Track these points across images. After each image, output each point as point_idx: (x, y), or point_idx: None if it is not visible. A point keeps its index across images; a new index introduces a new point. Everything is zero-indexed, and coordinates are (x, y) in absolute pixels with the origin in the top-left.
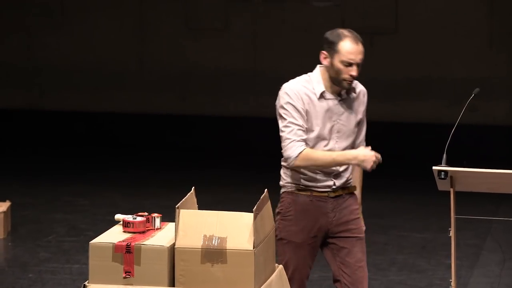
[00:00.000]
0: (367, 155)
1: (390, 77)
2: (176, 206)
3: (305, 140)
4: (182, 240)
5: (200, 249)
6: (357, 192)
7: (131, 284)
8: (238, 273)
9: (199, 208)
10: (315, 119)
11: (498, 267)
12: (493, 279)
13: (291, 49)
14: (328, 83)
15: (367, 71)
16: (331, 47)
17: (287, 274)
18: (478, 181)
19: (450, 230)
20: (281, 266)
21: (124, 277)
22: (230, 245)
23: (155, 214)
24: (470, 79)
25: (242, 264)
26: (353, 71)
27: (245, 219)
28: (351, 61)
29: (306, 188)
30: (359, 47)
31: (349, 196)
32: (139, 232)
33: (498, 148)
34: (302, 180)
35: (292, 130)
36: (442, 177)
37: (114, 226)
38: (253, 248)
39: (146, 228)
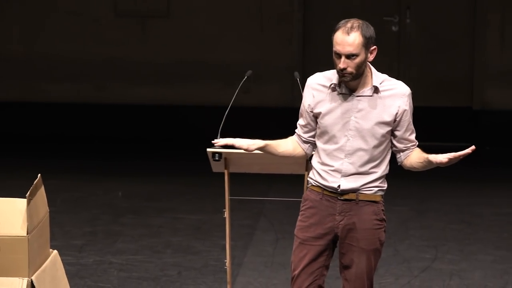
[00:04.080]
0: None
1: (163, 61)
2: None
3: None
4: None
5: None
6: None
7: None
8: (11, 260)
9: None
10: None
11: (271, 247)
12: (267, 258)
13: (64, 33)
14: None
15: (139, 54)
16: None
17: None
18: (251, 162)
19: (225, 211)
20: (55, 251)
21: None
22: (3, 231)
23: None
24: (242, 62)
25: (15, 251)
26: (340, 63)
27: (18, 205)
28: (338, 52)
29: (318, 185)
30: (348, 38)
31: (368, 204)
32: None
33: (270, 129)
34: (316, 175)
35: None
36: (216, 159)
37: None
38: (27, 234)
39: None
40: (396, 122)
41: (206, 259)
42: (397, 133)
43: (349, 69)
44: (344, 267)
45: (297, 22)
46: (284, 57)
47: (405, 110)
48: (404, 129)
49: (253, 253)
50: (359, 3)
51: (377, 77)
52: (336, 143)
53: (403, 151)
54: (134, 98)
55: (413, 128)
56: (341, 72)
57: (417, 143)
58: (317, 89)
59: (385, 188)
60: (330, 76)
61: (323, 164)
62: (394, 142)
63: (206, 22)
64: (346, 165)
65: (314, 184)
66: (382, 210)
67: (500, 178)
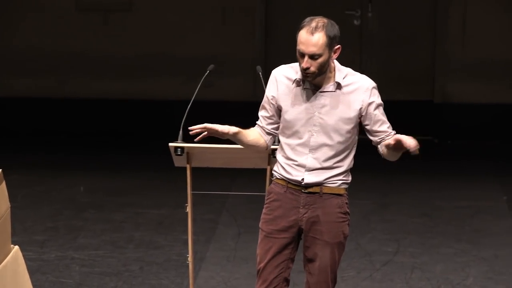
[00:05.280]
0: None
1: (125, 55)
2: None
3: None
4: None
5: None
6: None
7: None
8: None
9: None
10: None
11: (233, 241)
12: (229, 252)
13: (26, 27)
14: None
15: (101, 48)
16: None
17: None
18: (213, 156)
19: (187, 205)
20: (16, 247)
21: None
22: None
23: None
24: (205, 55)
25: None
26: (303, 62)
27: None
28: (302, 52)
29: (282, 178)
30: (312, 38)
31: (332, 197)
32: None
33: (233, 123)
34: (280, 169)
35: None
36: (179, 153)
37: None
38: None
39: None
40: (362, 117)
41: (169, 254)
42: (367, 127)
43: (312, 69)
44: (308, 261)
45: (260, 16)
46: (246, 50)
47: (369, 103)
48: (372, 122)
49: (216, 247)
50: None
51: (340, 72)
52: (299, 138)
53: (379, 143)
54: (96, 92)
55: (383, 119)
56: (304, 72)
57: (391, 132)
58: (282, 81)
59: (349, 181)
60: (296, 69)
61: (287, 158)
62: (369, 136)
63: (169, 16)
64: (310, 160)
65: (278, 177)
66: (346, 203)
67: (461, 171)
